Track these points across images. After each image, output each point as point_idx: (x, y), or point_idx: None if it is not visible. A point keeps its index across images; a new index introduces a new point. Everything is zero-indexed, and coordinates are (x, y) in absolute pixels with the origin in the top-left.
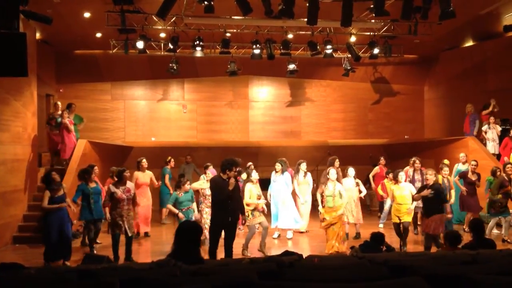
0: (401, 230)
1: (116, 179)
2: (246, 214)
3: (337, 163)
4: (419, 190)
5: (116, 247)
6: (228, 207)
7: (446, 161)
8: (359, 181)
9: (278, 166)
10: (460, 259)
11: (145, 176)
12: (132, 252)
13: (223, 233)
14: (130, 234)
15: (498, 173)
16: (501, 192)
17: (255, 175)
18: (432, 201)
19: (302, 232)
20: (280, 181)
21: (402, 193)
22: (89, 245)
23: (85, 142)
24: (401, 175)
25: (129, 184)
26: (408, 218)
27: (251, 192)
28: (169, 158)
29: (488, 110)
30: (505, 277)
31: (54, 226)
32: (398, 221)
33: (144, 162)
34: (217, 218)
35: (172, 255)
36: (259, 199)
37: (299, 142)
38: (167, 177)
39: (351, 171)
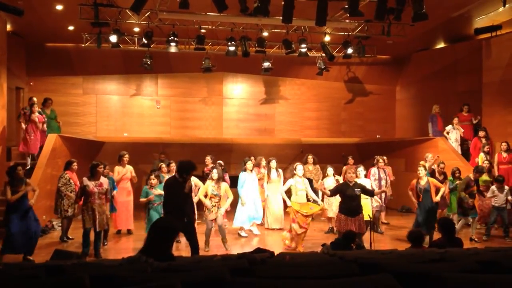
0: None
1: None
2: (204, 209)
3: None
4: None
5: (86, 242)
6: (184, 209)
7: (422, 162)
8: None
9: (249, 165)
10: (428, 257)
11: (127, 171)
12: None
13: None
14: (97, 229)
15: (457, 174)
16: (467, 192)
17: (215, 175)
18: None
19: (280, 229)
20: (249, 179)
21: None
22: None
23: (55, 136)
24: (360, 171)
25: (102, 179)
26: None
27: (207, 190)
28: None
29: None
30: (471, 275)
31: (14, 219)
32: (368, 218)
33: (126, 156)
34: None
35: (143, 252)
36: (214, 198)
37: (273, 139)
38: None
39: (330, 170)
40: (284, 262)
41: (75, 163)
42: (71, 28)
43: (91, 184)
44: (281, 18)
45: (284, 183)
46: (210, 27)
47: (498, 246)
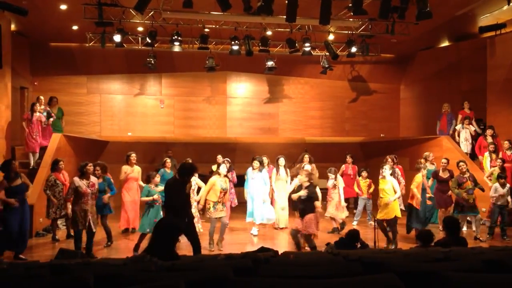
0: (384, 227)
1: (103, 174)
2: (207, 207)
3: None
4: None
5: (78, 243)
6: (184, 210)
7: (422, 160)
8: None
9: (256, 164)
10: (432, 256)
11: (133, 171)
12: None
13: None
14: (94, 230)
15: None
16: (461, 189)
17: (223, 169)
18: (306, 201)
19: (282, 228)
20: (258, 178)
21: (384, 187)
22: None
23: (59, 136)
24: (385, 168)
25: (93, 179)
26: (390, 215)
27: (214, 185)
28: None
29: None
30: (476, 275)
31: (15, 217)
32: (379, 217)
33: (133, 156)
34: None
35: (147, 251)
36: (222, 192)
37: (277, 139)
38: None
39: (331, 175)
40: (288, 261)
41: (61, 162)
42: (75, 27)
43: (83, 185)
44: (284, 17)
45: (291, 182)
46: (213, 26)
47: (504, 245)
